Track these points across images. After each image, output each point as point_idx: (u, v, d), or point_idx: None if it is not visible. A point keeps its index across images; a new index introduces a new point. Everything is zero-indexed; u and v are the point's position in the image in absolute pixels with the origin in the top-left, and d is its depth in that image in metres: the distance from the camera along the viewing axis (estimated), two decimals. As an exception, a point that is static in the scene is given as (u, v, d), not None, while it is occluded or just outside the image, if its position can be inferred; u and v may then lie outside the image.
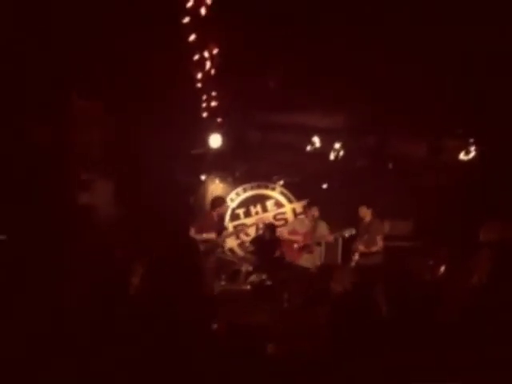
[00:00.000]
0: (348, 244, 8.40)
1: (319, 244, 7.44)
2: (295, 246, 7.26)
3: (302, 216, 8.00)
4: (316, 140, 8.13)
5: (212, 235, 7.12)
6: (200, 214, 7.59)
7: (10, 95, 4.80)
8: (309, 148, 8.24)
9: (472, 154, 7.88)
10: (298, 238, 7.28)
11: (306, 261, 7.24)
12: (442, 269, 7.30)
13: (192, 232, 7.03)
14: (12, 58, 4.68)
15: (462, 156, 7.95)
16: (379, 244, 6.82)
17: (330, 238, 7.42)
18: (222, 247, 8.40)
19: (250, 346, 2.99)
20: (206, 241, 7.00)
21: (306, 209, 7.78)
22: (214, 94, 6.36)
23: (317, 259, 7.38)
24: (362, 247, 6.89)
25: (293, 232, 7.41)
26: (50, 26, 4.78)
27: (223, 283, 7.72)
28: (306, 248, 7.23)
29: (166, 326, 2.61)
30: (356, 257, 6.97)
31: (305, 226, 7.38)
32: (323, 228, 7.44)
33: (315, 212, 7.39)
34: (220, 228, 7.49)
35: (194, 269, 2.70)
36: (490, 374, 2.87)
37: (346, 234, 7.15)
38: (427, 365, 2.74)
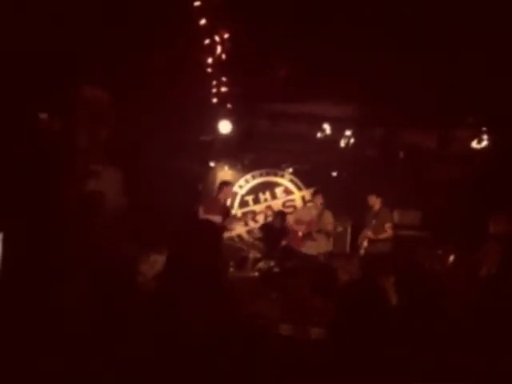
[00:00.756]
0: (357, 233, 8.41)
1: (322, 232, 7.41)
2: (299, 233, 7.28)
3: (310, 204, 8.00)
4: (326, 127, 8.08)
5: (217, 218, 7.12)
6: (208, 198, 7.55)
7: (16, 86, 4.79)
8: (319, 135, 8.19)
9: (484, 143, 7.78)
10: (302, 226, 7.29)
11: (310, 248, 7.26)
12: (451, 259, 7.28)
13: (200, 212, 7.02)
14: (18, 51, 4.66)
15: (475, 145, 7.85)
16: (388, 232, 6.79)
17: (330, 228, 7.43)
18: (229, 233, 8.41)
19: (254, 337, 2.98)
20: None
21: (312, 196, 7.78)
22: (223, 79, 6.32)
23: (321, 246, 7.37)
24: (370, 233, 6.88)
25: (298, 221, 7.42)
26: (53, 16, 4.75)
27: (231, 269, 7.74)
28: (308, 236, 7.25)
29: (185, 318, 2.61)
30: (365, 244, 6.96)
31: (310, 214, 7.39)
32: (328, 217, 7.44)
33: (320, 200, 7.40)
34: (225, 212, 7.48)
35: (216, 255, 2.67)
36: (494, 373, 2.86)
37: (339, 229, 7.23)
38: (430, 362, 2.74)
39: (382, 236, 6.80)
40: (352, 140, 8.25)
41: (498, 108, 6.79)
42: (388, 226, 6.83)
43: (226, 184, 7.42)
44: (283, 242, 7.62)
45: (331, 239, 7.97)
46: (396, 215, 7.71)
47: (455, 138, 8.00)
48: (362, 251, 7.00)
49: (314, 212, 7.38)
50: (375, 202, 7.03)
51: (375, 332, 2.48)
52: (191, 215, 7.20)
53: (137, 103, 6.65)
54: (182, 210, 7.33)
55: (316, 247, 7.31)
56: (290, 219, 7.64)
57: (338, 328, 2.50)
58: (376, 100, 7.21)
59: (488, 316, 3.86)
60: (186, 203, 7.58)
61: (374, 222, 6.94)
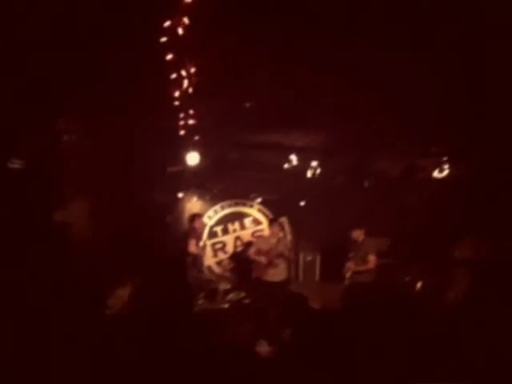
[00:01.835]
0: (326, 261, 8.46)
1: (281, 257, 7.43)
2: (262, 263, 7.31)
3: (265, 234, 8.07)
4: (293, 158, 8.20)
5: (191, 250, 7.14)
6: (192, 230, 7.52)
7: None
8: (286, 166, 8.30)
9: (445, 172, 8.02)
10: (262, 258, 7.33)
11: (273, 276, 7.29)
12: (419, 285, 7.39)
13: (192, 245, 7.09)
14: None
15: (436, 174, 8.09)
16: (371, 262, 6.91)
17: (288, 253, 7.47)
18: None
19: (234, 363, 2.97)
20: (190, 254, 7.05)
21: (270, 226, 7.83)
22: (191, 112, 6.37)
23: (283, 273, 7.40)
24: (352, 265, 7.01)
25: (258, 251, 7.44)
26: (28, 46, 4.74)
27: (200, 302, 7.63)
28: (270, 264, 7.29)
29: (157, 341, 2.58)
30: (348, 275, 7.07)
31: (268, 243, 7.43)
32: (286, 243, 7.55)
33: (276, 228, 7.49)
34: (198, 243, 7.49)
35: (181, 286, 2.70)
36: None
37: (308, 258, 7.32)
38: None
39: (367, 267, 6.91)
40: (319, 169, 8.38)
41: (461, 138, 7.03)
42: (371, 256, 6.94)
43: (198, 216, 7.50)
44: (254, 273, 7.60)
45: (291, 265, 8.04)
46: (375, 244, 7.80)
47: (419, 166, 8.22)
48: (347, 282, 7.07)
49: (273, 241, 7.43)
50: (359, 234, 7.16)
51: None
52: (158, 246, 7.16)
53: (104, 135, 6.63)
54: (149, 242, 7.27)
55: (279, 274, 7.34)
56: (250, 251, 7.64)
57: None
58: (342, 130, 7.37)
59: (457, 340, 3.92)
60: (153, 234, 7.52)
61: (357, 255, 7.05)
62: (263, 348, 4.17)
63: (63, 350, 2.87)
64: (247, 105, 6.58)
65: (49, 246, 5.34)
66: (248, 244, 8.41)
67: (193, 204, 9.14)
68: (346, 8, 4.69)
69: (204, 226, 8.08)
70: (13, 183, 5.20)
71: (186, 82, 5.57)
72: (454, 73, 5.56)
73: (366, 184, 8.59)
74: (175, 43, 5.09)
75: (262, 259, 7.30)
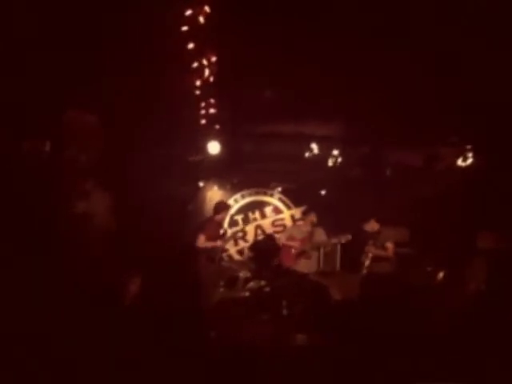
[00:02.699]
0: (346, 251, 8.44)
1: (317, 249, 7.43)
2: (293, 251, 7.27)
3: (300, 222, 8.02)
4: (314, 147, 8.18)
5: (217, 243, 7.12)
6: (208, 222, 7.47)
7: (6, 106, 4.81)
8: (307, 155, 8.28)
9: (469, 161, 7.90)
10: (296, 243, 7.29)
11: (303, 266, 7.26)
12: (441, 275, 7.33)
13: (201, 240, 6.97)
14: (9, 70, 4.70)
15: (460, 163, 7.97)
16: (389, 250, 6.84)
17: (328, 243, 7.44)
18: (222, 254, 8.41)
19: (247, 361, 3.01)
20: (211, 249, 7.02)
21: (303, 215, 7.81)
22: (212, 101, 6.40)
23: (314, 265, 7.38)
24: (372, 250, 6.91)
25: (290, 238, 7.41)
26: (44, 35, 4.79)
27: (221, 290, 7.70)
28: (303, 254, 7.25)
29: (165, 335, 2.61)
30: (367, 263, 6.98)
31: (302, 232, 7.40)
32: (320, 234, 7.47)
33: (313, 218, 7.43)
34: (223, 234, 7.49)
35: (192, 279, 2.74)
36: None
37: (343, 240, 7.17)
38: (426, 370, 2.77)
39: (384, 254, 6.84)
40: (339, 159, 8.35)
41: (483, 127, 6.93)
42: (389, 245, 6.88)
43: (225, 207, 7.39)
44: (275, 261, 7.60)
45: (321, 257, 8.03)
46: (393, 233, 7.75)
47: (441, 155, 8.12)
48: (365, 270, 7.01)
49: (306, 230, 7.40)
50: (375, 225, 7.08)
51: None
52: (180, 237, 7.19)
53: (127, 126, 6.69)
54: (171, 230, 7.32)
55: (310, 265, 7.32)
56: (282, 237, 7.63)
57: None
58: (362, 119, 7.32)
59: (478, 330, 3.90)
60: (175, 223, 7.58)
61: (374, 242, 6.98)
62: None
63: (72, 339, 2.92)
64: (267, 94, 6.58)
65: (70, 236, 5.43)
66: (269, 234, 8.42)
67: (213, 193, 9.20)
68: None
69: (227, 214, 8.04)
70: (27, 172, 5.27)
71: (206, 71, 5.59)
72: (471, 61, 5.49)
73: (387, 173, 8.52)
74: (196, 32, 5.10)
75: (295, 245, 7.26)
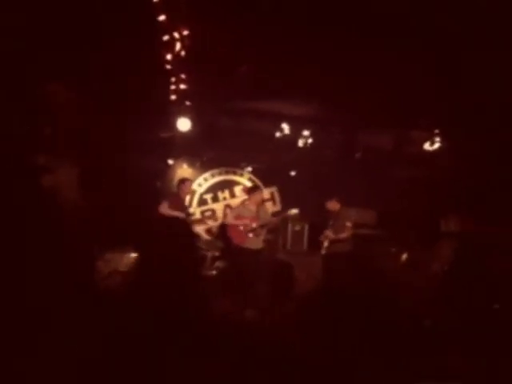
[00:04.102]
0: (314, 231, 8.51)
1: (264, 227, 7.47)
2: (241, 228, 7.29)
3: (247, 201, 8.03)
4: (285, 127, 8.15)
5: (182, 214, 7.08)
6: (171, 195, 7.42)
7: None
8: (278, 135, 8.25)
9: (437, 145, 8.03)
10: (246, 221, 7.31)
11: (252, 243, 7.29)
12: (405, 256, 7.48)
13: (164, 207, 6.91)
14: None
15: (427, 147, 8.09)
16: (348, 231, 6.89)
17: (272, 221, 7.50)
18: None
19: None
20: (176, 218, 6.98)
21: (249, 193, 7.79)
22: (183, 76, 6.27)
23: (260, 241, 7.43)
24: (331, 234, 6.97)
25: (238, 217, 7.42)
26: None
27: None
28: (253, 231, 7.28)
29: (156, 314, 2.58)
30: (326, 244, 7.05)
31: (250, 211, 7.41)
32: (265, 212, 7.54)
33: (259, 196, 7.45)
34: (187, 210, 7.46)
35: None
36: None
37: (291, 213, 7.21)
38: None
39: (343, 236, 6.90)
40: (310, 140, 8.36)
41: (451, 111, 7.03)
42: (348, 225, 6.93)
43: (184, 181, 7.39)
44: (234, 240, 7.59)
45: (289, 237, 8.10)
46: (353, 213, 7.83)
47: (410, 139, 8.23)
48: (324, 251, 7.07)
49: (252, 208, 7.42)
50: (335, 205, 7.13)
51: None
52: (156, 215, 7.10)
53: (95, 101, 6.52)
54: (140, 208, 7.23)
55: (258, 242, 7.37)
56: (230, 216, 7.62)
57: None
58: (335, 100, 7.33)
59: (441, 309, 4.00)
60: (144, 200, 7.48)
61: (335, 223, 7.03)
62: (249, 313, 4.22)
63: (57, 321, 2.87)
64: (240, 71, 6.49)
65: (37, 211, 5.29)
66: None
67: (183, 171, 9.11)
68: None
69: (190, 190, 7.99)
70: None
71: (178, 45, 5.47)
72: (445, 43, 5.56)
73: (357, 156, 8.59)
74: (168, 4, 4.98)
75: (246, 222, 7.28)
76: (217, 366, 2.37)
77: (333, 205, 7.12)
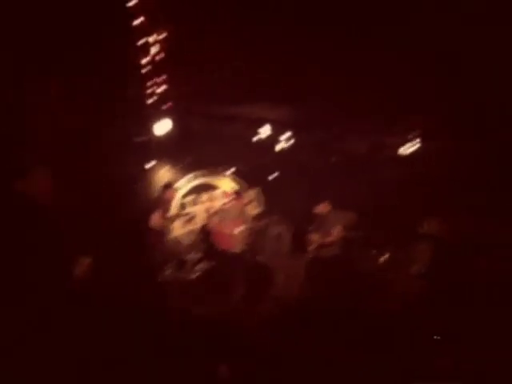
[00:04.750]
0: (295, 234, 8.52)
1: (245, 230, 7.53)
2: (223, 231, 7.34)
3: (228, 206, 8.05)
4: (265, 130, 8.16)
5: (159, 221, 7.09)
6: (158, 201, 7.44)
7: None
8: (256, 139, 8.26)
9: (411, 150, 8.12)
10: (228, 227, 7.35)
11: (233, 246, 7.36)
12: (384, 258, 7.53)
13: (156, 218, 7.01)
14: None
15: (402, 151, 8.18)
16: (335, 235, 6.92)
17: (256, 226, 7.59)
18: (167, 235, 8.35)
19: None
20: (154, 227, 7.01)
21: (234, 197, 7.83)
22: (159, 80, 6.23)
23: (242, 244, 7.49)
24: (316, 238, 7.00)
25: (221, 222, 7.45)
26: None
27: (169, 271, 7.63)
28: (232, 235, 7.33)
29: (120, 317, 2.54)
30: (311, 247, 7.06)
31: (232, 214, 7.45)
32: (247, 215, 7.61)
33: (241, 200, 7.52)
34: (166, 215, 7.46)
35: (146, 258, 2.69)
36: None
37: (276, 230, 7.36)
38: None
39: (329, 240, 6.92)
40: (288, 143, 8.38)
41: (429, 114, 7.11)
42: (336, 229, 6.95)
43: (169, 186, 7.43)
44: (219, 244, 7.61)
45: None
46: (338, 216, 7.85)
47: (388, 141, 8.30)
48: (309, 255, 7.09)
49: (235, 212, 7.46)
50: (323, 208, 7.14)
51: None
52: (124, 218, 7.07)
53: (70, 104, 6.44)
54: (114, 211, 7.17)
55: (239, 245, 7.43)
56: (213, 221, 7.65)
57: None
58: (312, 104, 7.36)
59: (419, 311, 4.02)
60: (118, 204, 7.42)
61: (320, 225, 7.05)
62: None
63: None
64: (217, 75, 6.47)
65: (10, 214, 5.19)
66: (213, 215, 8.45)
67: (160, 175, 9.03)
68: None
69: (174, 196, 7.99)
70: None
71: (154, 49, 5.43)
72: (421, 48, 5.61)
73: (333, 159, 8.64)
74: (144, 8, 4.94)
75: (227, 228, 7.31)
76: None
77: (322, 207, 7.13)
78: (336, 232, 6.91)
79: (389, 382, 2.66)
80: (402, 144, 8.20)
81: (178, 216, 9.07)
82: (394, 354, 2.90)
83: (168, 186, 7.52)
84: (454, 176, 7.38)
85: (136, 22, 5.09)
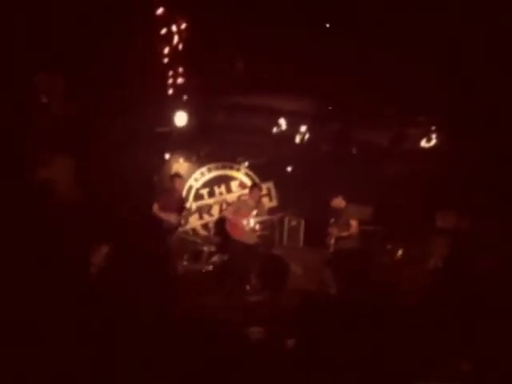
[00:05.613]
0: (310, 227, 8.53)
1: (261, 223, 7.59)
2: (239, 223, 7.38)
3: (246, 197, 8.09)
4: (282, 122, 8.14)
5: (172, 215, 7.14)
6: (163, 192, 7.53)
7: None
8: (275, 130, 8.25)
9: (433, 142, 8.04)
10: (242, 218, 7.39)
11: (248, 238, 7.40)
12: (400, 252, 7.51)
13: (155, 208, 7.04)
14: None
15: (424, 144, 8.10)
16: (353, 228, 6.93)
17: (269, 219, 7.67)
18: (183, 227, 8.41)
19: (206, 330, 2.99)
20: (166, 220, 7.07)
21: (249, 190, 7.87)
22: (180, 70, 6.25)
23: (254, 237, 7.55)
24: (336, 231, 7.02)
25: (236, 212, 7.48)
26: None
27: (185, 263, 7.69)
28: (250, 226, 7.38)
29: (131, 307, 2.57)
30: (332, 241, 7.08)
31: (248, 206, 7.48)
32: (262, 208, 7.67)
33: (258, 193, 7.57)
34: (180, 207, 7.49)
35: (159, 250, 2.71)
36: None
37: (275, 218, 7.45)
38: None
39: (348, 233, 6.93)
40: (307, 135, 8.35)
41: (449, 108, 7.04)
42: (354, 222, 6.96)
43: (176, 176, 7.48)
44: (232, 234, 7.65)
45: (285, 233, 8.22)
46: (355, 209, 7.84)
47: (407, 135, 8.23)
48: (331, 249, 7.10)
49: (252, 204, 7.50)
50: (341, 202, 7.14)
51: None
52: (144, 209, 7.13)
53: (92, 93, 6.50)
54: (136, 202, 7.24)
55: (254, 237, 7.49)
56: (229, 211, 7.69)
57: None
58: (332, 96, 7.34)
59: (435, 304, 4.02)
60: (140, 195, 7.49)
61: (340, 221, 7.06)
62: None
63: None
64: (238, 66, 6.49)
65: (32, 201, 5.27)
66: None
67: (179, 165, 9.08)
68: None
69: (184, 186, 8.08)
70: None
71: (176, 38, 5.45)
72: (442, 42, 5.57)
73: (354, 151, 8.59)
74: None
75: (242, 220, 7.35)
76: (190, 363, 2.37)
77: (338, 202, 7.14)
78: (353, 225, 6.91)
79: (394, 379, 2.66)
80: (422, 138, 8.12)
81: (194, 208, 9.15)
82: (400, 351, 2.90)
83: (180, 175, 7.61)
84: (475, 172, 7.31)
85: (158, 12, 5.11)
